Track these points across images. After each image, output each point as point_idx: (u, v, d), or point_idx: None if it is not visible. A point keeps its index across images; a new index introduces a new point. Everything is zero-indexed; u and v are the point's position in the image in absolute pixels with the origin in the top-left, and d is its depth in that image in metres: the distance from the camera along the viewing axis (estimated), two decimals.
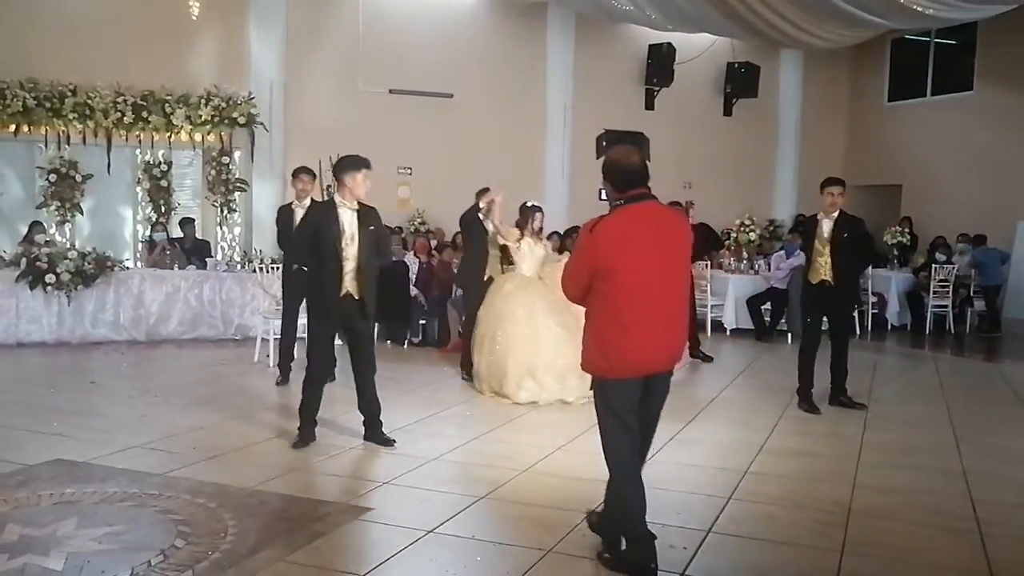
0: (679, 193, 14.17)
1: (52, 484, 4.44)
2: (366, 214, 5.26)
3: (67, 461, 4.83)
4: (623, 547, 3.52)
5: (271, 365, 7.83)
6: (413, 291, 9.67)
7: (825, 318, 6.76)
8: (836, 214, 6.44)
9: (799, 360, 6.67)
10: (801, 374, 6.64)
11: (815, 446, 5.62)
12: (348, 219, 5.19)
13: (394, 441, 5.35)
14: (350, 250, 5.18)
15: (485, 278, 7.46)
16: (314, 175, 7.27)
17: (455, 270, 9.63)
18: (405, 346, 9.46)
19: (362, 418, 5.44)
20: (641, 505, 3.46)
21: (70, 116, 10.26)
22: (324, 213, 5.27)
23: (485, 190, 7.52)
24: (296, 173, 7.18)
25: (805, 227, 6.76)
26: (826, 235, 6.46)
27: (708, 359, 8.84)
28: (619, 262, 3.32)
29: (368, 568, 3.52)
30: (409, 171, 12.57)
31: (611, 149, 3.62)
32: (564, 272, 3.60)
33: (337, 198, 5.24)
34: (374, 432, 5.40)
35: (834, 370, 6.69)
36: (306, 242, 5.34)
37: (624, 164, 3.46)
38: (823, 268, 6.48)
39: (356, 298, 5.23)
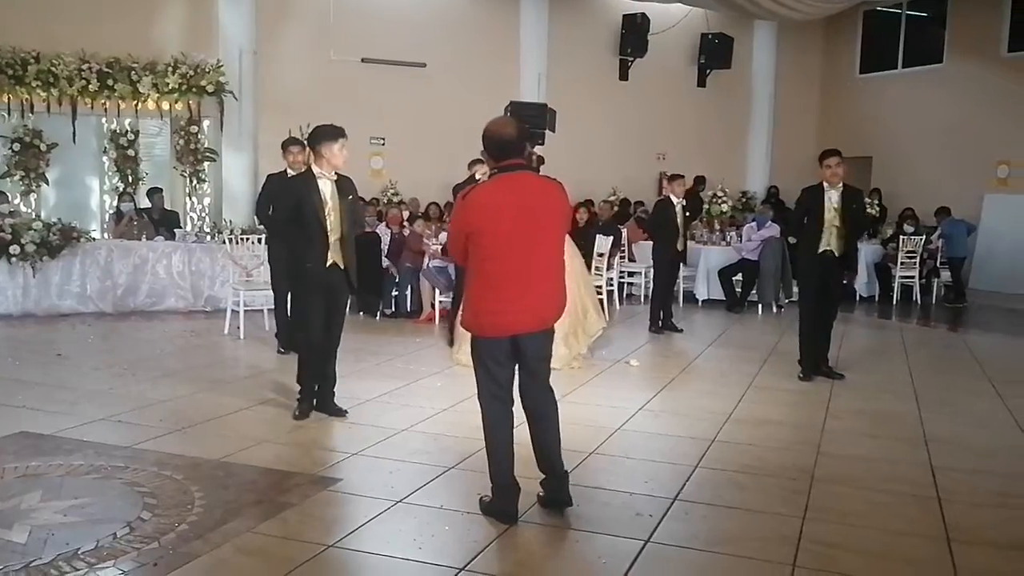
0: (653, 164, 14.26)
1: (17, 457, 4.40)
2: (344, 184, 5.23)
3: (32, 434, 4.79)
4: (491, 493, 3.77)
5: (241, 336, 7.80)
6: (385, 262, 9.63)
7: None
8: (841, 185, 6.47)
9: (801, 331, 6.72)
10: (803, 345, 6.70)
11: (782, 415, 5.70)
12: (328, 190, 5.16)
13: (346, 412, 5.36)
14: (332, 221, 5.17)
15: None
16: (304, 145, 7.14)
17: (427, 241, 9.64)
18: (378, 318, 9.43)
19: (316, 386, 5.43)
20: (505, 455, 3.70)
21: (33, 84, 10.06)
22: (304, 184, 5.21)
23: (478, 160, 7.50)
24: (286, 145, 7.04)
25: (809, 198, 6.70)
26: (836, 206, 6.47)
27: (678, 330, 8.90)
28: (487, 227, 3.54)
29: (337, 538, 3.53)
30: (382, 141, 12.48)
31: (490, 121, 3.75)
32: (448, 236, 3.87)
33: (315, 169, 5.17)
34: (326, 402, 5.40)
35: (820, 339, 6.76)
36: (286, 214, 5.28)
37: (499, 135, 3.65)
38: (831, 239, 6.49)
39: (341, 268, 5.24)
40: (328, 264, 5.19)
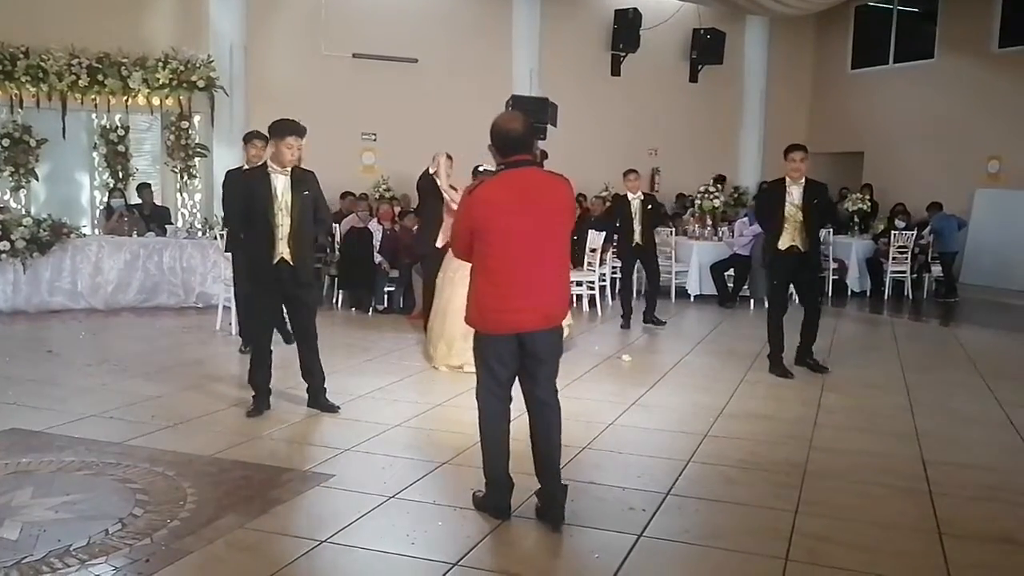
0: (645, 159, 14.25)
1: (7, 454, 4.38)
2: (300, 179, 5.15)
3: (23, 431, 4.77)
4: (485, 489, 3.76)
5: (232, 333, 7.77)
6: (377, 258, 9.61)
7: (792, 284, 6.86)
8: (803, 180, 6.48)
9: (768, 326, 6.73)
10: (771, 340, 6.71)
11: (773, 410, 5.71)
12: (280, 184, 5.09)
13: (338, 407, 5.35)
14: (282, 216, 5.10)
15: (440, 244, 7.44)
16: (267, 139, 7.10)
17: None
18: (370, 313, 9.42)
19: (305, 385, 5.42)
20: (500, 450, 3.69)
21: (23, 79, 9.98)
22: (255, 179, 5.16)
23: (437, 154, 7.57)
24: (248, 138, 6.85)
25: (770, 193, 6.74)
26: (797, 202, 6.48)
27: (660, 323, 8.91)
28: (492, 224, 3.49)
29: (329, 534, 3.53)
30: (374, 137, 12.45)
31: (497, 116, 3.70)
32: (452, 232, 3.81)
33: (269, 163, 5.14)
34: (317, 398, 5.39)
35: (804, 333, 6.78)
36: (237, 208, 5.24)
37: (505, 130, 3.59)
38: (794, 234, 6.50)
39: (291, 264, 5.15)
40: (276, 261, 5.11)
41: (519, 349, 3.60)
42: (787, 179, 6.52)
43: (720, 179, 13.33)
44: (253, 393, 5.31)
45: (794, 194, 6.49)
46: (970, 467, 4.63)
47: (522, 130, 3.59)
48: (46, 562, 3.19)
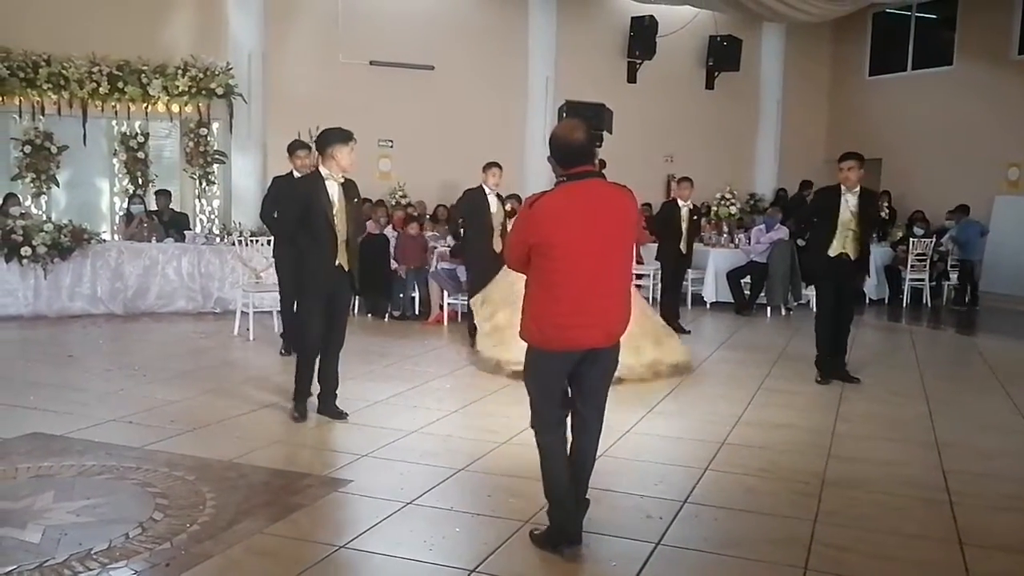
0: (661, 166, 14.24)
1: (29, 457, 4.42)
2: (349, 187, 5.26)
3: (44, 435, 4.81)
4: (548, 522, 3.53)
5: (250, 338, 7.82)
6: (393, 264, 9.64)
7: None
8: (858, 189, 6.42)
9: (818, 334, 6.69)
10: (821, 348, 6.68)
11: (792, 418, 5.68)
12: (335, 192, 5.18)
13: (346, 414, 5.36)
14: (340, 223, 5.19)
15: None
16: (310, 148, 7.15)
17: (430, 243, 9.73)
18: (386, 319, 9.45)
19: (317, 390, 5.44)
20: (561, 478, 3.47)
21: (44, 86, 10.08)
22: (312, 185, 5.22)
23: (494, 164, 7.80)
24: (293, 148, 7.07)
25: (824, 198, 6.65)
26: (854, 209, 6.41)
27: (684, 331, 8.89)
28: (555, 238, 3.30)
29: (347, 539, 3.54)
30: (390, 144, 12.48)
31: (557, 124, 3.53)
32: (505, 243, 3.58)
33: (323, 171, 5.18)
34: (327, 404, 5.41)
35: (837, 342, 6.73)
36: (294, 215, 5.29)
37: (567, 140, 3.40)
38: (846, 242, 6.45)
39: (346, 270, 5.26)
40: (335, 265, 5.21)
41: (576, 367, 3.44)
42: (842, 187, 6.45)
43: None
44: (295, 398, 5.35)
45: (850, 202, 6.42)
46: (991, 477, 4.60)
47: (585, 139, 3.40)
48: (68, 565, 3.21)
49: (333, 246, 5.18)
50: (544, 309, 3.39)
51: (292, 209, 5.38)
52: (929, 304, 11.47)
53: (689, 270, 10.65)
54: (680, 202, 9.06)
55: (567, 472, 3.50)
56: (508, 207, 7.91)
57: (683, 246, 9.05)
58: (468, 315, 7.82)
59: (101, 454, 4.49)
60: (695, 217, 9.24)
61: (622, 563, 3.40)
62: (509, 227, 7.58)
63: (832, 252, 6.48)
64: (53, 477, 4.16)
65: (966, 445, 5.14)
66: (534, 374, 3.50)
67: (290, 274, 6.79)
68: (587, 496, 3.61)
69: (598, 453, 3.66)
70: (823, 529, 3.75)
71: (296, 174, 6.88)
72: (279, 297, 7.31)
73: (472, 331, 7.54)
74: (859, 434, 5.32)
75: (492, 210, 7.72)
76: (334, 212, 5.16)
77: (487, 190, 7.72)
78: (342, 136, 5.13)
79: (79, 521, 3.63)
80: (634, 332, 5.86)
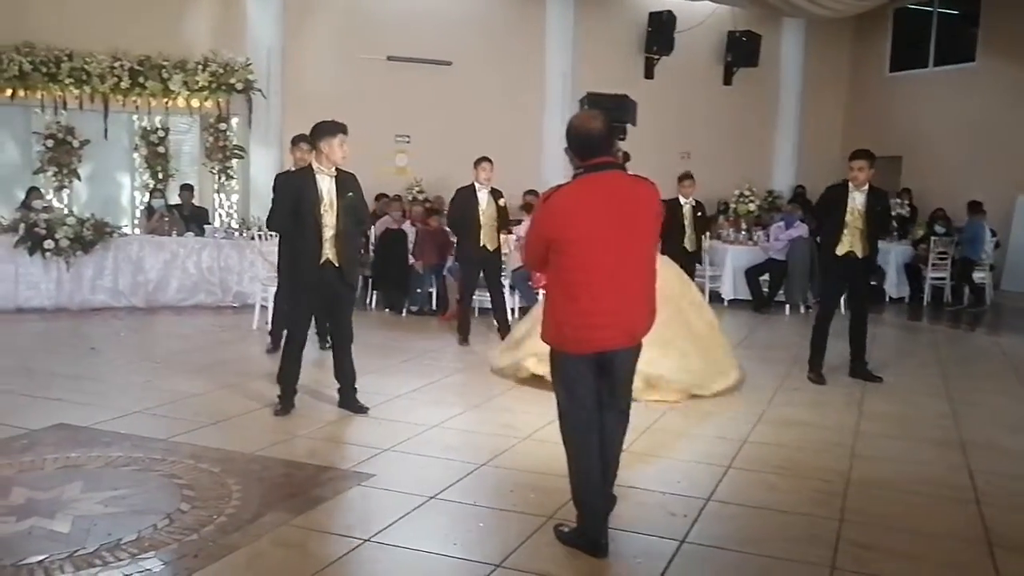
0: (678, 163, 14.16)
1: (56, 448, 4.46)
2: (344, 180, 5.19)
3: (70, 426, 4.85)
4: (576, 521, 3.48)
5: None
6: (411, 259, 9.65)
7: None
8: (866, 187, 6.38)
9: (814, 330, 6.66)
10: (814, 344, 6.65)
11: (813, 416, 5.65)
12: (326, 186, 5.13)
13: (367, 408, 5.37)
14: (328, 217, 5.14)
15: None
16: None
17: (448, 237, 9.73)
18: (404, 314, 9.46)
19: (337, 385, 5.45)
20: (592, 478, 3.39)
21: (66, 81, 10.16)
22: (302, 179, 5.21)
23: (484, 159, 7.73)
24: (295, 141, 6.91)
25: (831, 195, 6.63)
26: (860, 208, 6.38)
27: None
28: (572, 233, 3.18)
29: (372, 532, 3.55)
30: (407, 139, 12.49)
31: (574, 115, 3.44)
32: (523, 241, 3.47)
33: (315, 164, 5.16)
34: (348, 399, 5.42)
35: (854, 342, 6.68)
36: (285, 210, 5.29)
37: (585, 130, 3.27)
38: (853, 240, 6.41)
39: (336, 266, 5.20)
40: (322, 261, 5.16)
41: (598, 368, 3.35)
42: (850, 184, 6.42)
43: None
44: (279, 393, 5.34)
45: (857, 200, 6.39)
46: (1018, 478, 4.56)
47: (603, 129, 3.26)
48: (98, 555, 3.24)
49: (319, 242, 5.12)
50: (562, 309, 3.31)
51: (283, 203, 5.38)
52: (950, 303, 11.34)
53: (705, 267, 10.63)
54: (682, 199, 9.02)
55: (599, 478, 3.41)
56: (502, 202, 7.84)
57: (689, 243, 9.00)
58: (466, 311, 7.92)
59: (127, 445, 4.53)
60: (699, 213, 9.16)
61: (647, 560, 3.39)
62: (500, 221, 7.71)
63: (840, 251, 6.45)
64: (80, 468, 4.20)
65: (991, 445, 5.10)
66: (558, 377, 3.45)
67: (283, 269, 6.77)
68: (614, 494, 3.60)
69: (624, 449, 3.65)
70: (848, 528, 3.73)
71: (292, 168, 6.82)
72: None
73: (463, 328, 7.68)
74: (882, 433, 5.29)
75: (481, 206, 7.65)
76: (323, 206, 5.11)
77: (477, 186, 7.68)
78: (332, 129, 5.07)
79: (108, 512, 3.66)
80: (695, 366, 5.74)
